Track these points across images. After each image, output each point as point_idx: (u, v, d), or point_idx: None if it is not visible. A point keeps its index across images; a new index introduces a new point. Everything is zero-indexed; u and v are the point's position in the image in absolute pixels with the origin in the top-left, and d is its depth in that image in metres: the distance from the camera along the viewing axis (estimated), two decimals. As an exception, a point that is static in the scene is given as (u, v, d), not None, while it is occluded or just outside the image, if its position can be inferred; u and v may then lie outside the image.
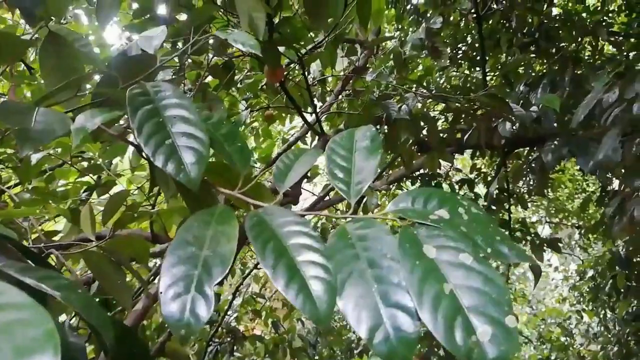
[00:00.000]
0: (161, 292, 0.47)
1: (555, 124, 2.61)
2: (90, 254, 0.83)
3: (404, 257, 0.50)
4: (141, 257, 0.97)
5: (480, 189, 4.83)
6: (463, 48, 4.65)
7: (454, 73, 5.10)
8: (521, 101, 2.91)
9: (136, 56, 0.75)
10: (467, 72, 5.07)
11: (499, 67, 4.68)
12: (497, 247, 0.54)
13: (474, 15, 3.19)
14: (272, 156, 2.77)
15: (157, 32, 1.09)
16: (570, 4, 4.65)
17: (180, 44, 1.69)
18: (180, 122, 0.57)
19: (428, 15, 3.62)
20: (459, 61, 4.77)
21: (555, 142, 2.04)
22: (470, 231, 0.55)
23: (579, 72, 2.47)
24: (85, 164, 1.98)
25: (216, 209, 0.55)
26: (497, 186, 3.43)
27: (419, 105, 2.51)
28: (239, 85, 2.11)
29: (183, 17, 1.74)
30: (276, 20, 1.69)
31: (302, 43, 1.82)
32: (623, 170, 1.54)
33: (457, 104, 1.91)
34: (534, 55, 4.41)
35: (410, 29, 4.31)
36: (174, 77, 1.56)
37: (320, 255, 0.50)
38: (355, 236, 0.53)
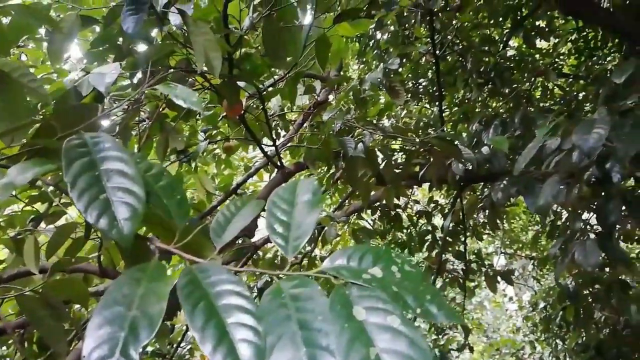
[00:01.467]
0: (84, 356, 0.46)
1: (507, 161, 2.72)
2: (25, 299, 0.80)
3: (335, 319, 0.50)
4: (81, 299, 0.94)
5: (438, 221, 4.94)
6: (423, 83, 4.82)
7: (415, 107, 5.26)
8: (475, 139, 3.03)
9: (78, 105, 0.74)
10: (427, 105, 5.25)
11: (457, 102, 4.87)
12: (426, 307, 0.56)
13: (432, 55, 3.33)
14: (233, 185, 2.75)
15: (110, 68, 1.09)
16: (524, 47, 4.91)
17: (138, 76, 1.68)
18: (117, 175, 0.56)
19: (390, 50, 3.75)
20: (419, 95, 4.93)
21: (505, 182, 2.12)
22: (401, 290, 0.57)
23: (528, 114, 2.59)
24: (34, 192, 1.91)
25: (149, 265, 0.54)
26: (452, 221, 3.52)
27: (380, 137, 2.57)
28: (198, 117, 2.11)
29: (142, 47, 1.74)
30: (237, 55, 1.71)
31: (262, 78, 1.84)
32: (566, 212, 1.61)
33: (412, 144, 1.97)
34: (489, 93, 4.62)
35: (374, 62, 4.45)
36: (129, 108, 1.55)
37: (252, 316, 0.50)
38: (288, 296, 0.53)
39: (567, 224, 1.97)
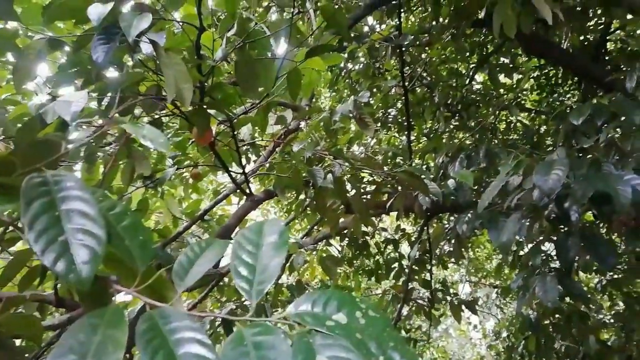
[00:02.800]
0: (32, 411, 0.43)
1: (473, 194, 2.80)
2: (-29, 337, 0.76)
3: (297, 369, 0.50)
4: (34, 337, 0.90)
5: (405, 248, 4.99)
6: (392, 113, 4.92)
7: (384, 135, 5.36)
8: (441, 171, 3.10)
9: (41, 140, 0.72)
10: (396, 134, 5.36)
11: (425, 132, 4.99)
12: (389, 355, 0.56)
13: (402, 87, 3.42)
14: (200, 210, 2.71)
15: (77, 96, 1.07)
16: (489, 82, 5.09)
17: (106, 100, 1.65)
18: (78, 216, 0.55)
19: (361, 81, 3.84)
20: (389, 125, 5.03)
21: (470, 215, 2.17)
22: (365, 337, 0.57)
23: (492, 149, 2.68)
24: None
25: (107, 310, 0.53)
26: (419, 250, 3.56)
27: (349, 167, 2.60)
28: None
29: (113, 72, 1.72)
30: (209, 84, 1.70)
31: (233, 107, 1.84)
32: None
33: (380, 176, 2.00)
34: (456, 125, 4.76)
35: (346, 91, 4.53)
36: (96, 133, 1.52)
37: (212, 366, 0.49)
38: (251, 344, 0.52)
39: (529, 257, 2.02)
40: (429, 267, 4.28)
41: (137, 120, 1.86)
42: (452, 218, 4.15)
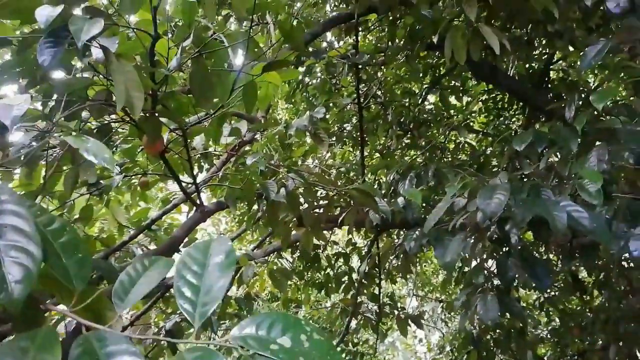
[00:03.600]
0: None
1: (421, 210, 2.87)
2: None
3: (238, 394, 0.49)
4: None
5: (355, 262, 5.03)
6: (347, 128, 5.00)
7: (339, 149, 5.43)
8: (392, 187, 3.17)
9: None
10: (350, 149, 5.44)
11: (378, 148, 5.09)
12: (331, 378, 0.56)
13: (357, 104, 3.48)
14: (148, 219, 2.63)
15: (19, 100, 1.02)
16: (440, 103, 5.26)
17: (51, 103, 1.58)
18: (12, 232, 0.52)
19: (317, 96, 3.88)
20: (343, 139, 5.09)
21: (417, 233, 2.22)
22: (308, 360, 0.57)
23: (440, 168, 2.77)
24: None
25: (39, 332, 0.50)
26: (368, 265, 3.61)
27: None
28: (114, 149, 2.02)
29: (59, 73, 1.64)
30: (162, 92, 1.67)
31: (187, 116, 1.81)
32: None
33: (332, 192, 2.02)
34: (407, 144, 4.89)
35: (302, 104, 4.55)
36: (38, 138, 1.44)
37: (149, 392, 0.47)
38: (191, 368, 0.51)
39: (472, 275, 2.09)
40: (377, 282, 4.35)
41: (84, 125, 1.79)
42: (401, 233, 4.24)
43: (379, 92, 3.71)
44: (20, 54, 1.35)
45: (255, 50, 1.60)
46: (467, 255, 1.82)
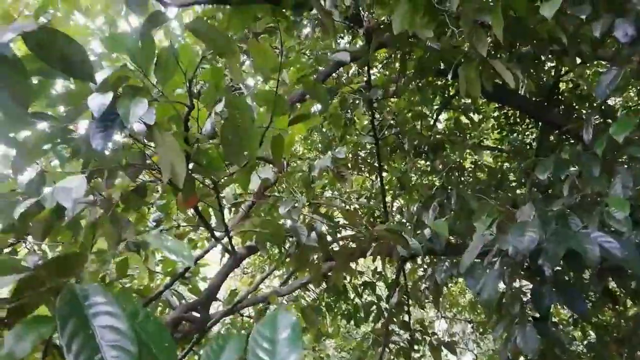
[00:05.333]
0: None
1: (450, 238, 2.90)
2: None
3: None
4: None
5: (382, 290, 5.02)
6: (362, 154, 5.04)
7: (357, 176, 5.47)
8: (415, 217, 3.21)
9: (66, 255, 0.75)
10: (367, 174, 5.49)
11: (396, 171, 5.13)
12: None
13: (373, 136, 3.56)
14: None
15: (76, 183, 1.10)
16: (452, 124, 5.31)
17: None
18: (110, 332, 0.58)
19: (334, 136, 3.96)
20: (360, 166, 5.14)
21: (447, 264, 2.25)
22: None
23: (462, 194, 2.81)
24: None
25: None
26: (397, 298, 3.62)
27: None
28: (150, 206, 2.10)
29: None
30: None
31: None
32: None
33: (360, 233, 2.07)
34: (424, 168, 4.93)
35: (318, 140, 4.64)
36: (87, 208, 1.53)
37: None
38: None
39: (507, 303, 2.10)
40: (407, 309, 4.33)
41: (120, 186, 1.88)
42: (427, 259, 4.24)
43: (392, 122, 3.78)
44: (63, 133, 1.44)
45: (281, 105, 1.68)
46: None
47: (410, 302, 4.34)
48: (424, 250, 2.76)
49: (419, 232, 2.65)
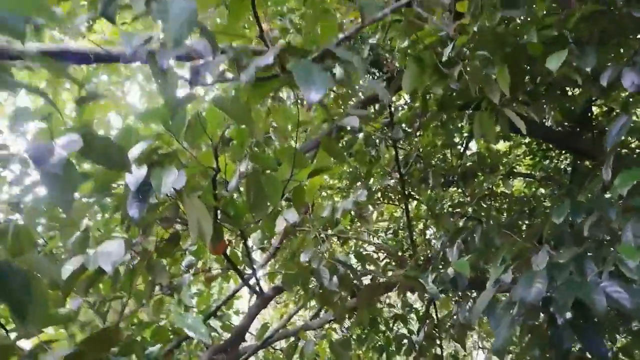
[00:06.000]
0: None
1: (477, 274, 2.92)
2: None
3: None
4: None
5: (413, 323, 5.00)
6: (391, 183, 5.07)
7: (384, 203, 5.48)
8: (441, 252, 3.24)
9: (103, 331, 0.88)
10: (396, 202, 5.51)
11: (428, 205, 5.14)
12: None
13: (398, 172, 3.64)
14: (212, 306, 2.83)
15: (115, 247, 1.25)
16: (482, 149, 5.26)
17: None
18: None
19: (357, 167, 4.06)
20: (388, 194, 5.18)
21: (470, 304, 2.28)
22: None
23: (488, 232, 2.83)
24: None
25: None
26: (427, 328, 3.63)
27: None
28: (183, 252, 2.26)
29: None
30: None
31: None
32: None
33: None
34: (453, 199, 4.93)
35: (344, 178, 4.74)
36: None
37: None
38: None
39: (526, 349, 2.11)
40: (439, 342, 4.30)
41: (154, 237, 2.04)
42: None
43: (418, 160, 3.85)
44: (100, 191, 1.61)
45: (302, 160, 1.81)
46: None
47: (443, 336, 4.31)
48: (446, 288, 2.80)
49: (442, 271, 2.70)
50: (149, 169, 1.28)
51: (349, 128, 3.51)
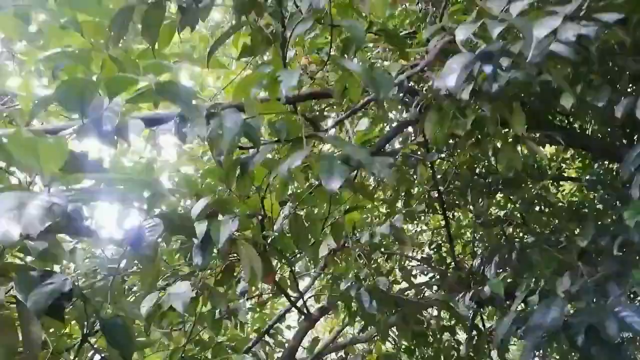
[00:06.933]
0: None
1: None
2: None
3: None
4: None
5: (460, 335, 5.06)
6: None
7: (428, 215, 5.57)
8: (481, 268, 3.35)
9: None
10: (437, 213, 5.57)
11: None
12: None
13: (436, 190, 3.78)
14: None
15: (184, 288, 1.52)
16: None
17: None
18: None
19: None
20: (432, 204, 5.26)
21: (505, 320, 2.41)
22: None
23: (525, 248, 2.93)
24: None
25: None
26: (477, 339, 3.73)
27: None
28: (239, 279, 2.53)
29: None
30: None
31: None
32: None
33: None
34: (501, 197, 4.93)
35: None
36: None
37: None
38: None
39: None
40: (488, 353, 4.36)
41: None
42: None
43: (455, 179, 3.98)
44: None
45: (337, 198, 2.03)
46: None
47: (491, 346, 4.37)
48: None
49: (480, 288, 2.83)
50: (209, 222, 1.54)
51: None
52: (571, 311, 1.80)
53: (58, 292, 0.83)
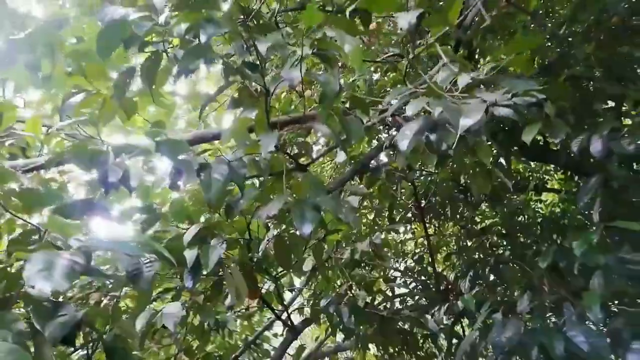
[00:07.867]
0: None
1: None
2: None
3: None
4: None
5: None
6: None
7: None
8: (458, 281, 3.54)
9: None
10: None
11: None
12: None
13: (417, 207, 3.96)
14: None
15: (175, 308, 1.68)
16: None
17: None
18: None
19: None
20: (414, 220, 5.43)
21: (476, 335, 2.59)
22: None
23: (499, 262, 3.12)
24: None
25: None
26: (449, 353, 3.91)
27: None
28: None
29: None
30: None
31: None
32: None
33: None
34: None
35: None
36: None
37: None
38: None
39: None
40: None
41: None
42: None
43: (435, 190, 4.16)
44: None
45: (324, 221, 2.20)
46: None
47: None
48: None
49: (455, 302, 3.01)
50: (198, 248, 1.70)
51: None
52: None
53: (71, 323, 0.98)
